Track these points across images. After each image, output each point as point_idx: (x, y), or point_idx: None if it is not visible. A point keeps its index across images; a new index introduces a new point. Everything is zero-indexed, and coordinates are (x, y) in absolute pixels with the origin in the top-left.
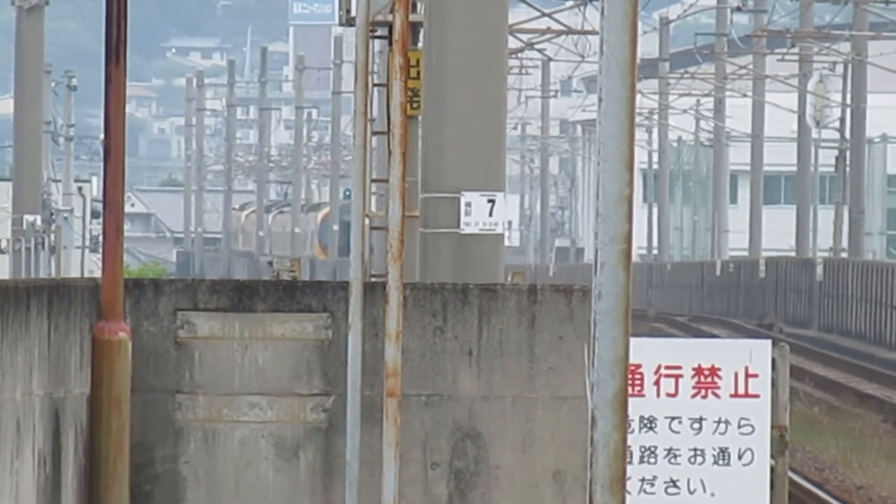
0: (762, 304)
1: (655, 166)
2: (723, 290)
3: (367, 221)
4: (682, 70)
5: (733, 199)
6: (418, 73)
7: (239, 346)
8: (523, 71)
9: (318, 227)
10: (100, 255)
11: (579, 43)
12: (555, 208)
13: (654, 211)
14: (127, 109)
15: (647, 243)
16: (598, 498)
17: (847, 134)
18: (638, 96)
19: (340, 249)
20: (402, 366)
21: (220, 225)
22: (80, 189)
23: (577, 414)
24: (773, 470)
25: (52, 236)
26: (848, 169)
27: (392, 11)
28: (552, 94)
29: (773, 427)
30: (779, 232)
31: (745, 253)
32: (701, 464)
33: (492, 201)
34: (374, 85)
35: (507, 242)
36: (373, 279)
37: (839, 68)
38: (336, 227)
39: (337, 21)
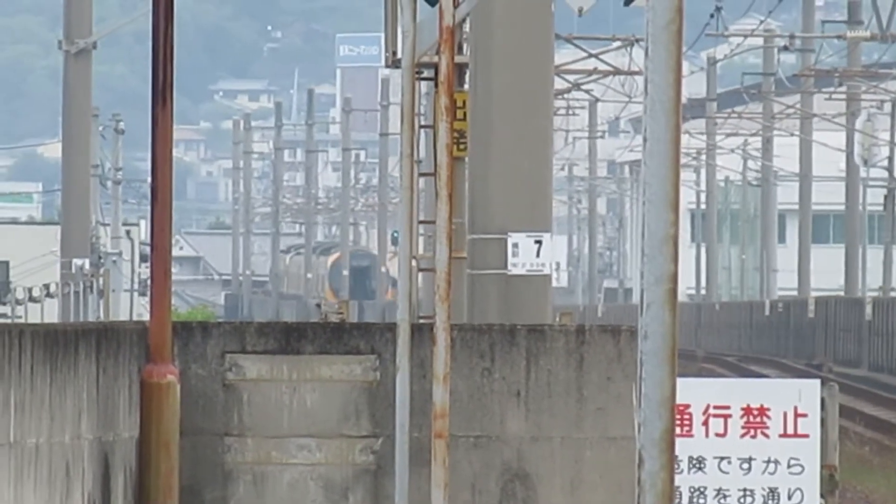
0: (811, 344)
1: (703, 206)
2: (772, 330)
3: (414, 263)
4: (729, 110)
5: (782, 239)
6: (464, 114)
7: (287, 388)
8: (570, 111)
9: (329, 270)
10: (148, 299)
11: (626, 83)
12: (603, 249)
13: (703, 251)
14: (174, 152)
15: (695, 283)
16: None
17: (895, 172)
18: (685, 136)
19: (351, 292)
20: (450, 407)
21: (268, 267)
22: (128, 232)
23: (627, 454)
24: None
25: (101, 280)
26: None
27: (438, 53)
28: (599, 134)
29: (822, 467)
30: (828, 271)
31: (794, 292)
32: None
33: (539, 242)
34: (421, 126)
35: (555, 283)
36: (420, 321)
37: (887, 107)
38: (345, 272)
39: (383, 63)
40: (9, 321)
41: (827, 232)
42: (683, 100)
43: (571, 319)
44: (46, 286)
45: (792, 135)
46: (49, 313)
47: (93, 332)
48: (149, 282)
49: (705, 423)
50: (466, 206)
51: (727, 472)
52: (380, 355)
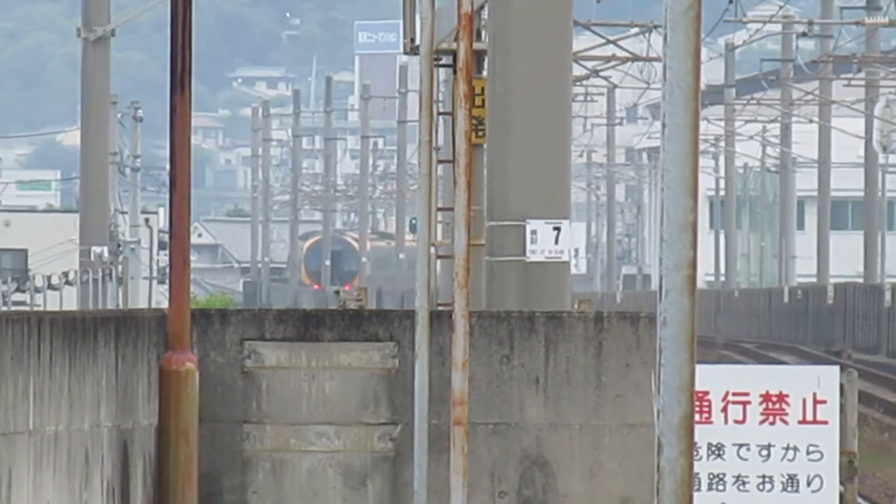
0: (830, 331)
1: (722, 193)
2: (790, 317)
3: (433, 250)
4: (748, 96)
5: (800, 225)
6: (483, 101)
7: (306, 375)
8: (588, 98)
9: (305, 255)
10: (167, 286)
11: (644, 70)
12: (621, 236)
13: (721, 237)
14: (193, 140)
15: (714, 270)
16: None
17: None
18: (704, 123)
19: (314, 276)
20: (468, 394)
21: (287, 255)
22: (146, 220)
23: (645, 441)
24: (842, 496)
25: (120, 267)
26: None
27: (456, 40)
28: (618, 121)
29: (841, 453)
30: (846, 258)
31: (813, 279)
32: (770, 491)
33: (557, 229)
34: (440, 113)
35: (573, 270)
36: (439, 308)
37: None
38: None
39: (402, 50)
40: (28, 309)
41: (846, 218)
42: (702, 86)
43: (590, 306)
44: (65, 274)
45: (810, 121)
46: (68, 301)
47: (112, 320)
48: (167, 269)
49: (724, 410)
50: (485, 193)
51: (746, 459)
52: (398, 342)
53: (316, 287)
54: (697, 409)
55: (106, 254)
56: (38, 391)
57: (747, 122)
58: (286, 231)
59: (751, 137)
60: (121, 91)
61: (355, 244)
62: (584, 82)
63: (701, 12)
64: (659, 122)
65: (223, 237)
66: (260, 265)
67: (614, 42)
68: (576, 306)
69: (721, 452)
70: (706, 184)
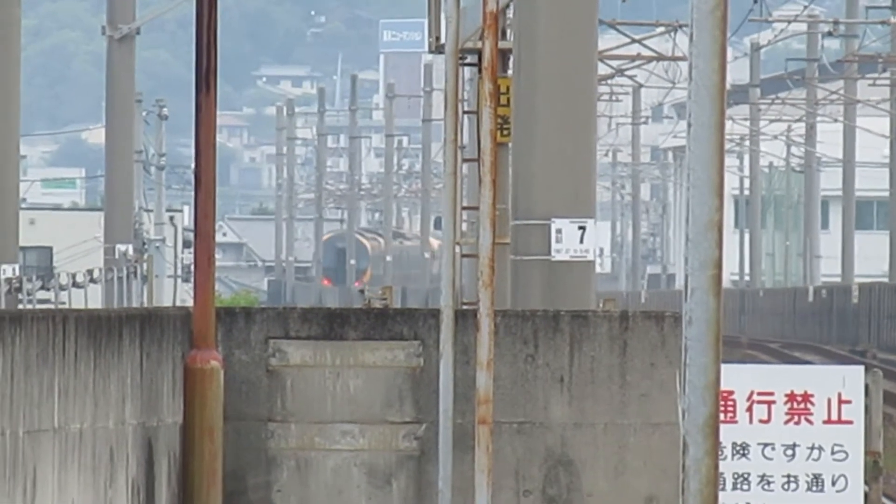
0: (855, 331)
1: (747, 192)
2: (815, 317)
3: (457, 249)
4: (773, 96)
5: (825, 225)
6: (508, 99)
7: (331, 374)
8: (614, 97)
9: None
10: (191, 285)
11: (670, 69)
12: (646, 235)
13: (746, 237)
14: (218, 139)
15: (739, 269)
16: None
17: None
18: (729, 122)
19: (326, 272)
20: (493, 393)
21: (311, 254)
22: (171, 218)
23: (670, 440)
24: (866, 496)
25: (144, 265)
26: None
27: (481, 38)
28: (643, 120)
29: (866, 453)
30: (871, 257)
31: (838, 279)
32: (794, 490)
33: (582, 228)
34: (465, 112)
35: (598, 269)
36: (464, 306)
37: None
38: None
39: (427, 48)
40: (52, 307)
41: (871, 218)
42: (727, 86)
43: (615, 305)
44: (90, 272)
45: (835, 121)
46: (92, 299)
47: (136, 318)
48: (192, 268)
49: (749, 410)
50: (510, 191)
51: (771, 459)
52: (423, 341)
53: (325, 282)
54: (722, 408)
55: (131, 252)
56: (63, 389)
57: (772, 121)
58: (311, 229)
59: (775, 137)
60: (146, 89)
61: (365, 241)
62: (610, 81)
63: (727, 12)
64: (684, 121)
65: (248, 235)
66: (284, 264)
67: (640, 41)
68: (601, 305)
69: (746, 452)
70: (731, 183)
